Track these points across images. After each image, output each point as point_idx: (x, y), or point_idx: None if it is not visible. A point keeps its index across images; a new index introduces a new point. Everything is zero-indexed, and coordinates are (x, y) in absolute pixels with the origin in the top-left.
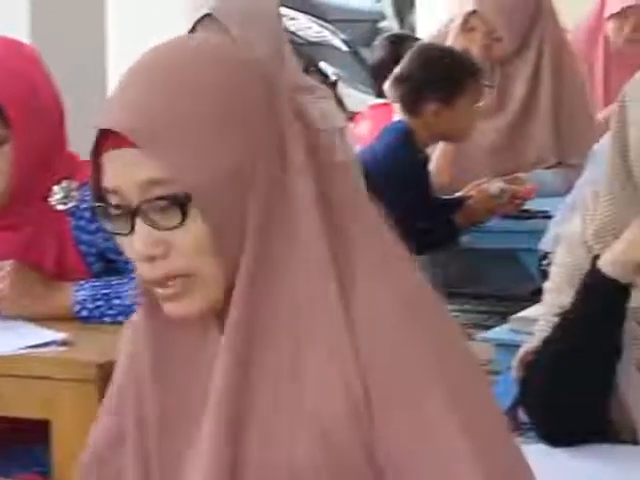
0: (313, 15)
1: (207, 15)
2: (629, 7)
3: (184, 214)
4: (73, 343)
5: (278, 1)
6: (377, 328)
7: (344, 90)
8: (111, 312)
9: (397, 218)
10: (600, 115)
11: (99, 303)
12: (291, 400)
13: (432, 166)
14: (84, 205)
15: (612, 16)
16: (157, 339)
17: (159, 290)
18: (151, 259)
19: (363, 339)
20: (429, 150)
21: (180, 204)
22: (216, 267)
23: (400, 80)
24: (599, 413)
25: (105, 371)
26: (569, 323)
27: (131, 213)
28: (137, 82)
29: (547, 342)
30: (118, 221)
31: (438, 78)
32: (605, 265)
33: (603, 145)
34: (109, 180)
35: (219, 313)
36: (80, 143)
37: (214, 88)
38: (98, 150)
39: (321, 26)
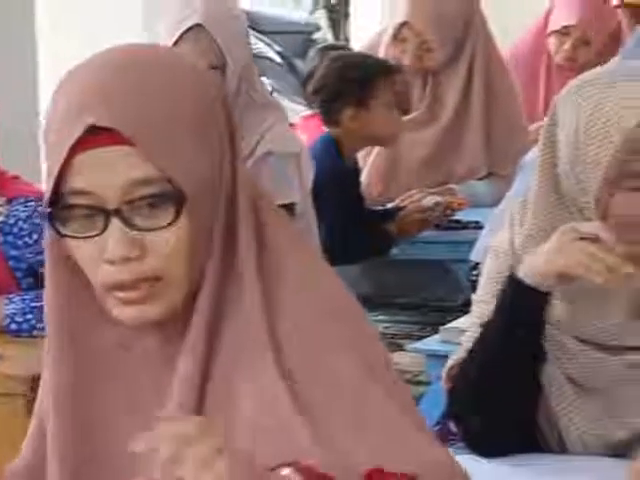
0: (248, 27)
1: (194, 26)
2: (570, 25)
3: (177, 213)
4: (2, 357)
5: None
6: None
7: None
8: (41, 325)
9: (331, 228)
10: (532, 126)
11: (29, 316)
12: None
13: (364, 178)
14: (12, 220)
15: (553, 32)
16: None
17: (120, 294)
18: (125, 261)
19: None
20: (362, 161)
21: (175, 203)
22: (185, 271)
23: (315, 92)
24: (526, 423)
25: (34, 385)
26: (490, 333)
27: (106, 213)
28: (120, 81)
29: (470, 353)
30: (84, 223)
31: (350, 82)
32: (525, 274)
33: (533, 156)
34: (84, 180)
35: (174, 322)
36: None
37: (192, 91)
38: (73, 149)
39: (255, 37)
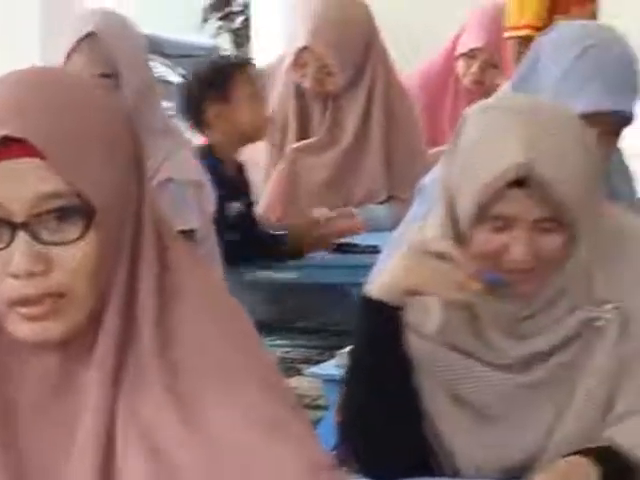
0: (152, 51)
1: (88, 35)
2: (477, 48)
3: (86, 228)
4: None
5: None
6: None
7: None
8: None
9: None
10: (432, 150)
11: None
12: None
13: (262, 202)
14: None
15: (461, 55)
16: None
17: (23, 310)
18: (30, 275)
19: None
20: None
21: (84, 217)
22: (90, 289)
23: (183, 106)
24: (415, 445)
25: None
26: (355, 354)
27: (12, 226)
28: (34, 97)
29: (345, 379)
30: None
31: (206, 83)
32: (377, 290)
33: (431, 179)
34: None
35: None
36: None
37: (101, 111)
38: None
39: (159, 62)
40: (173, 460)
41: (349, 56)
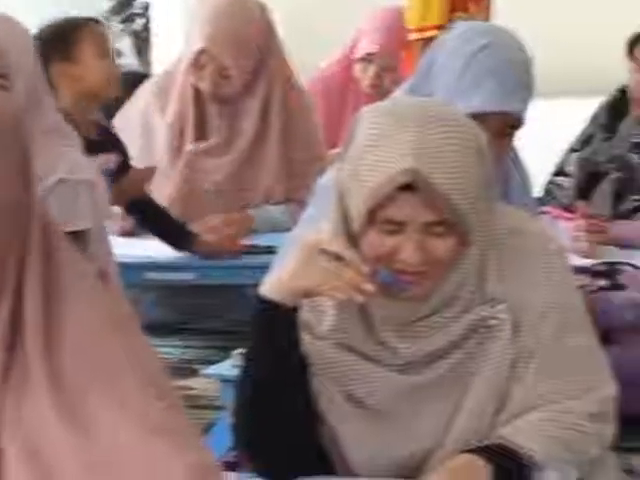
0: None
1: None
2: (372, 53)
3: None
4: None
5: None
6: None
7: None
8: None
9: None
10: (331, 152)
11: None
12: None
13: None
14: None
15: (359, 60)
16: None
17: None
18: None
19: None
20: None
21: None
22: None
23: None
24: (309, 445)
25: None
26: (250, 355)
27: None
28: None
29: (239, 380)
30: None
31: (48, 42)
32: (270, 290)
33: (327, 180)
34: None
35: None
36: None
37: None
38: None
39: None
40: (51, 461)
41: (246, 59)
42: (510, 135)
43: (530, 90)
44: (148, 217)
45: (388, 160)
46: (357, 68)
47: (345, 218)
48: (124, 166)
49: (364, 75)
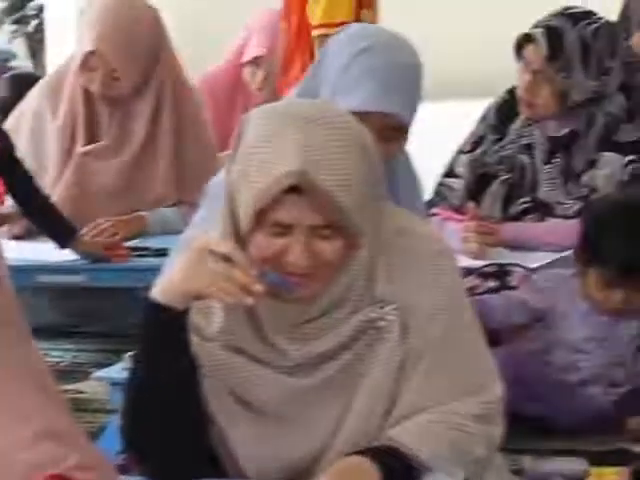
0: None
1: None
2: (260, 57)
3: None
4: None
5: None
6: None
7: None
8: None
9: None
10: (223, 154)
11: None
12: None
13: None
14: None
15: (247, 63)
16: None
17: None
18: None
19: None
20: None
21: None
22: None
23: None
24: (194, 446)
25: None
26: (138, 358)
27: None
28: None
29: (127, 378)
30: None
31: None
32: (160, 293)
33: (217, 182)
34: None
35: None
36: None
37: None
38: None
39: None
40: None
41: (137, 60)
42: (396, 139)
43: (413, 94)
44: (33, 208)
45: (274, 161)
46: (246, 71)
47: (234, 219)
48: (10, 160)
49: (252, 79)
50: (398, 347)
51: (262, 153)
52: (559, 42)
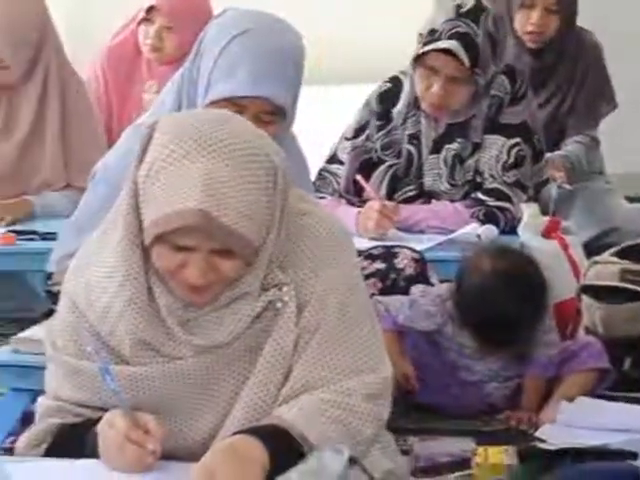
0: None
1: None
2: (154, 8)
3: None
4: None
5: None
6: None
7: None
8: None
9: None
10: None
11: None
12: None
13: None
14: None
15: (140, 21)
16: None
17: None
18: None
19: None
20: None
21: None
22: None
23: None
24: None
25: None
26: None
27: None
28: None
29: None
30: None
31: None
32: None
33: (104, 164)
34: None
35: None
36: None
37: None
38: None
39: None
40: None
41: (24, 49)
42: (274, 122)
43: (291, 77)
44: None
45: (177, 192)
46: (140, 30)
47: (138, 226)
48: None
49: (145, 40)
50: (293, 325)
51: (167, 178)
52: (475, 48)
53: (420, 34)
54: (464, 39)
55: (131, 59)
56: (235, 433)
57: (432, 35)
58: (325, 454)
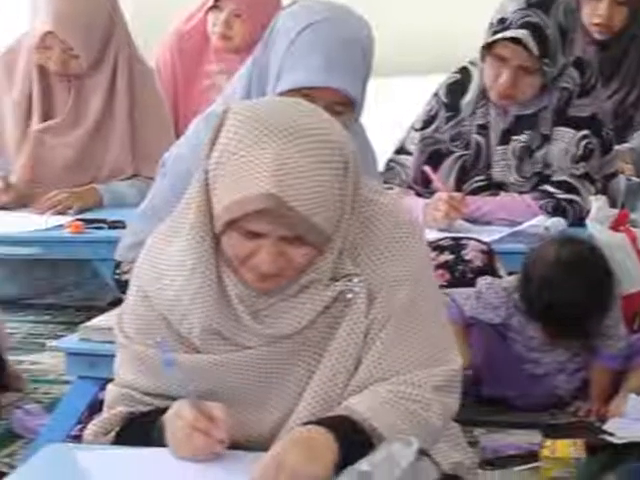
0: None
1: None
2: None
3: None
4: None
5: None
6: None
7: None
8: None
9: None
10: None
11: None
12: None
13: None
14: None
15: (210, 9)
16: None
17: None
18: None
19: None
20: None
21: None
22: None
23: None
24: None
25: None
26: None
27: None
28: None
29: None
30: None
31: None
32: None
33: (174, 154)
34: None
35: None
36: None
37: None
38: None
39: None
40: None
41: (92, 38)
42: (344, 113)
43: (361, 68)
44: None
45: (248, 178)
46: (209, 18)
47: (208, 215)
48: None
49: (213, 27)
50: (364, 317)
51: (238, 164)
52: (544, 38)
53: (491, 23)
54: (534, 29)
55: (199, 47)
56: (304, 424)
57: (502, 24)
58: (394, 445)
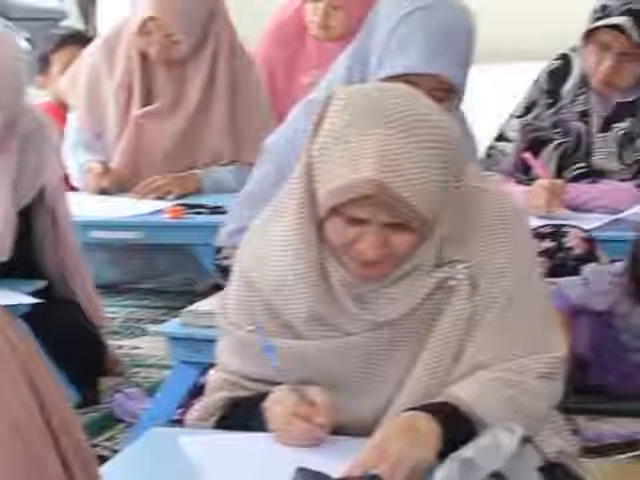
0: None
1: None
2: None
3: None
4: None
5: None
6: None
7: None
8: None
9: None
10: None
11: None
12: None
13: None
14: None
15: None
16: None
17: None
18: None
19: None
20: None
21: None
22: None
23: None
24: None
25: None
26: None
27: None
28: None
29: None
30: None
31: None
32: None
33: (275, 140)
34: None
35: None
36: None
37: None
38: None
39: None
40: None
41: (193, 24)
42: (446, 99)
43: (464, 55)
44: None
45: (353, 163)
46: (307, 8)
47: (312, 201)
48: None
49: (313, 18)
50: (467, 303)
51: (342, 149)
52: None
53: (593, 10)
54: (636, 15)
55: (297, 37)
56: (407, 410)
57: (603, 11)
58: (499, 432)
